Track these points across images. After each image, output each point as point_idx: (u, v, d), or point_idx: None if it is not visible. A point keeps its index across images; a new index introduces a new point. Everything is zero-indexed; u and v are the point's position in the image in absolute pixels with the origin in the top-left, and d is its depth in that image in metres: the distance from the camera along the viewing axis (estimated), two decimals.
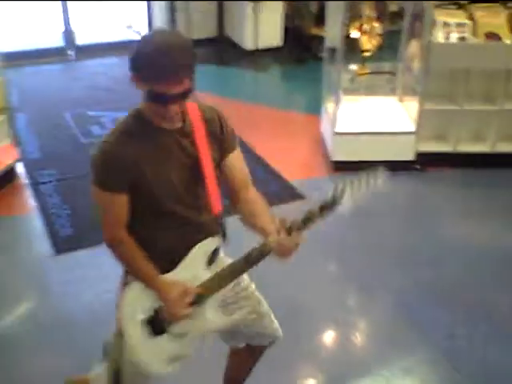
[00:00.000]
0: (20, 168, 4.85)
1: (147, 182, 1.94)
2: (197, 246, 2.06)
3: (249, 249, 1.98)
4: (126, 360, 2.05)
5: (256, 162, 5.07)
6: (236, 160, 2.17)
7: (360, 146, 4.79)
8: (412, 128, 4.79)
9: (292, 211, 4.41)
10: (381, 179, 1.92)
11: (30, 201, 4.56)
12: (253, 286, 2.34)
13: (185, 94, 1.85)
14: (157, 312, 2.01)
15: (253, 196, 2.16)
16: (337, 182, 1.91)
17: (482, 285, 3.70)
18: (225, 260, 2.15)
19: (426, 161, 4.84)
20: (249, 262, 1.99)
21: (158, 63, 1.77)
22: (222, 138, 2.12)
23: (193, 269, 2.05)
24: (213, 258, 2.09)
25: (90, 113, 5.92)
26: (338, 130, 4.77)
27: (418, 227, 4.33)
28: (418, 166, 4.85)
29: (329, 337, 3.44)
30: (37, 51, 7.38)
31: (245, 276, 2.25)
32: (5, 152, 4.61)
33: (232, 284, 2.11)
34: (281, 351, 2.99)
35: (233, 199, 2.15)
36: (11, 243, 4.10)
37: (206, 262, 2.07)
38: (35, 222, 4.28)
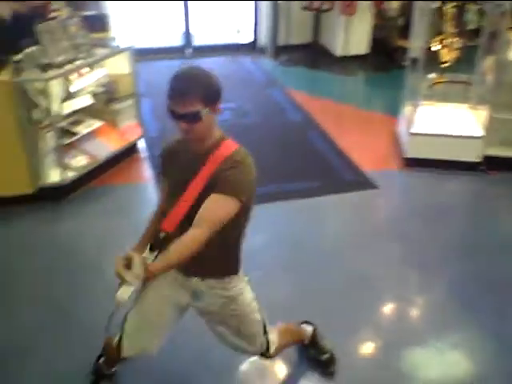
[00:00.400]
0: (141, 144, 5.03)
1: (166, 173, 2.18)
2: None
3: None
4: None
5: (336, 153, 5.05)
6: (212, 199, 1.93)
7: (432, 146, 4.68)
8: (480, 133, 4.63)
9: (365, 199, 4.46)
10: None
11: (147, 172, 4.75)
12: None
13: (188, 116, 1.90)
14: None
15: (185, 234, 1.90)
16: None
17: None
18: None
19: (492, 164, 4.66)
20: None
21: (171, 85, 1.91)
22: (221, 179, 1.95)
23: None
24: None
25: None
26: (413, 130, 4.69)
27: (481, 224, 4.18)
28: (484, 168, 4.67)
29: (388, 308, 3.41)
30: (161, 49, 7.66)
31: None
32: (131, 130, 4.81)
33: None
34: (345, 318, 3.03)
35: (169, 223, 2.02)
36: (131, 206, 4.29)
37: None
38: (150, 190, 4.44)
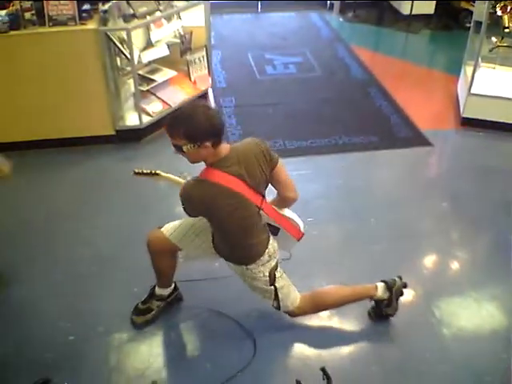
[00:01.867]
0: (210, 93, 5.08)
1: None
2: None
3: None
4: None
5: (394, 109, 4.95)
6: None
7: (490, 108, 4.51)
8: None
9: (419, 155, 4.38)
10: None
11: None
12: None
13: (175, 147, 2.18)
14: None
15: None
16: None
17: None
18: None
19: None
20: None
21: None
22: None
23: None
24: None
25: (267, 55, 6.01)
26: (473, 91, 4.51)
27: None
28: None
29: (431, 260, 3.39)
30: (234, 3, 7.51)
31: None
32: (202, 80, 4.85)
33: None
34: (388, 265, 3.05)
35: None
36: None
37: None
38: None
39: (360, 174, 4.11)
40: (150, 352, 2.64)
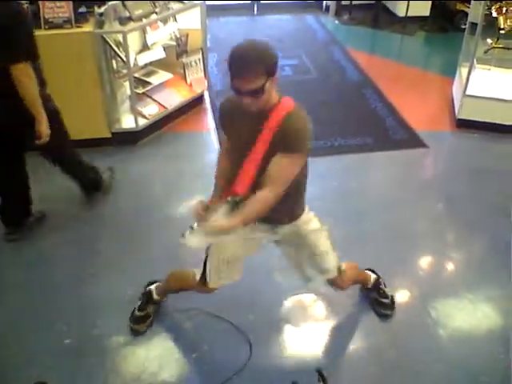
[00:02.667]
0: (206, 96, 5.07)
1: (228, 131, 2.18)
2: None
3: None
4: None
5: (390, 111, 4.95)
6: (278, 159, 1.96)
7: (485, 109, 4.51)
8: None
9: (415, 157, 4.38)
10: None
11: (210, 122, 4.80)
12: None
13: (253, 92, 1.89)
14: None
15: (259, 194, 1.98)
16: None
17: None
18: None
19: None
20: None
21: (233, 64, 1.89)
22: (283, 139, 1.97)
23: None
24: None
25: None
26: (468, 92, 4.51)
27: None
28: None
29: (426, 261, 3.39)
30: (229, 5, 7.53)
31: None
32: (198, 82, 4.84)
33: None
34: (383, 266, 3.04)
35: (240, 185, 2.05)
36: (195, 152, 4.38)
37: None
38: (212, 138, 4.51)
39: (355, 176, 4.11)
40: (146, 355, 2.63)
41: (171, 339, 2.76)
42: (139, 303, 2.77)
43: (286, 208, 2.18)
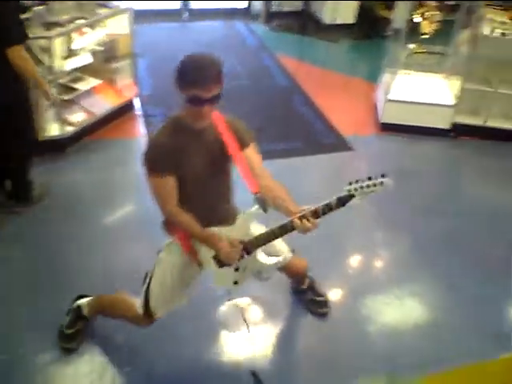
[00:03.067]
0: (137, 102, 5.00)
1: (181, 167, 2.07)
2: (243, 214, 2.20)
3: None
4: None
5: (317, 116, 5.08)
6: (252, 153, 2.17)
7: (407, 113, 4.72)
8: (451, 102, 4.67)
9: (342, 160, 4.51)
10: (388, 186, 1.89)
11: (141, 128, 4.74)
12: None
13: (214, 99, 1.97)
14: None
15: (272, 184, 2.12)
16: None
17: (486, 235, 3.68)
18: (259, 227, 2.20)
19: (460, 131, 4.73)
20: (281, 232, 2.06)
21: (194, 73, 1.93)
22: (238, 135, 2.15)
23: (243, 228, 2.17)
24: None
25: None
26: (390, 97, 4.71)
27: (448, 186, 4.29)
28: (453, 134, 4.74)
29: (356, 261, 3.52)
30: (159, 11, 7.44)
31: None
32: (127, 88, 4.78)
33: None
34: (314, 267, 3.12)
35: (251, 185, 2.10)
36: (124, 159, 4.29)
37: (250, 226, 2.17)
38: (143, 145, 4.44)
39: (286, 179, 4.04)
40: (75, 372, 2.55)
41: (103, 353, 2.67)
42: (67, 320, 2.66)
43: (233, 205, 2.32)
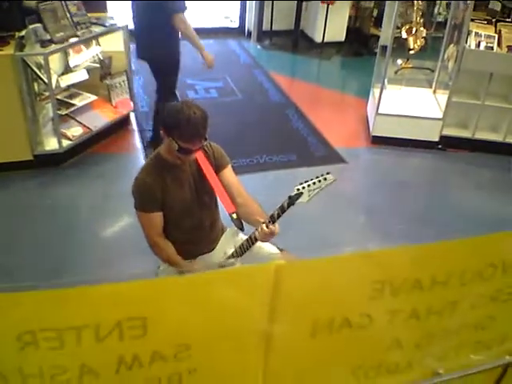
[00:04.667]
0: (132, 117, 5.06)
1: (168, 203, 2.22)
2: (223, 236, 2.45)
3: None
4: None
5: (310, 130, 5.15)
6: (229, 174, 2.34)
7: (396, 126, 4.80)
8: (440, 115, 4.75)
9: (334, 172, 4.53)
10: (330, 181, 2.05)
11: (137, 143, 4.79)
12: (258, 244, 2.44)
13: (200, 149, 2.20)
14: None
15: (247, 201, 2.33)
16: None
17: None
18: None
19: (448, 143, 4.81)
20: (248, 244, 2.22)
21: (187, 131, 2.07)
22: (214, 160, 2.32)
23: (223, 249, 2.37)
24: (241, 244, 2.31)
25: (188, 81, 6.05)
26: (380, 111, 4.79)
27: (436, 195, 4.34)
28: (441, 147, 4.81)
29: None
30: None
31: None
32: (123, 104, 4.83)
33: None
34: None
35: (227, 207, 2.32)
36: (121, 174, 4.29)
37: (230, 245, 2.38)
38: (139, 159, 4.50)
39: (281, 191, 4.12)
40: None
41: None
42: None
43: (219, 226, 2.48)
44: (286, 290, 1.18)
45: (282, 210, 2.08)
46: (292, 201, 2.07)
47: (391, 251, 1.27)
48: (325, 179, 2.03)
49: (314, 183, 2.04)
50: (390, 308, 1.32)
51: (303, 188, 2.05)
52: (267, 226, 2.08)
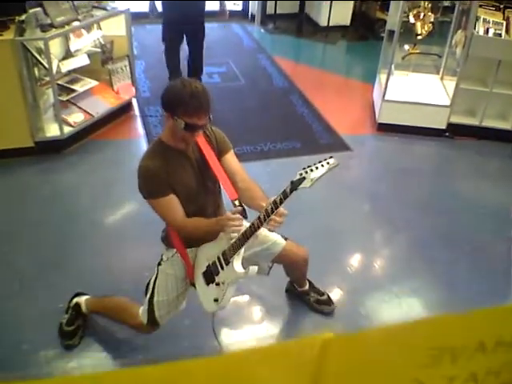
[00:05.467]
0: (135, 103, 5.00)
1: (173, 187, 2.14)
2: None
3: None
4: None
5: (315, 117, 5.08)
6: (231, 159, 2.28)
7: (403, 113, 4.72)
8: (447, 102, 4.67)
9: (339, 159, 4.48)
10: (333, 166, 1.97)
11: (139, 129, 4.73)
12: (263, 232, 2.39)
13: (205, 124, 2.12)
14: (209, 265, 2.24)
15: (250, 185, 2.24)
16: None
17: (481, 233, 3.67)
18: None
19: (456, 131, 4.73)
20: (252, 230, 2.09)
21: (195, 103, 2.01)
22: (216, 145, 2.26)
23: (227, 237, 2.20)
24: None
25: None
26: (387, 97, 4.70)
27: (441, 183, 4.27)
28: (448, 134, 4.74)
29: (354, 258, 3.50)
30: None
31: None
32: (125, 89, 4.76)
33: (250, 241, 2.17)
34: (314, 265, 3.11)
35: (230, 193, 2.23)
36: (123, 160, 4.25)
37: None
38: (142, 145, 4.46)
39: (286, 179, 4.10)
40: (79, 367, 2.55)
41: (104, 348, 2.68)
42: (66, 317, 2.69)
43: (223, 212, 2.35)
44: (332, 368, 1.06)
45: (285, 195, 2.02)
46: (294, 186, 2.00)
47: (446, 318, 1.17)
48: (327, 163, 1.97)
49: (317, 168, 1.98)
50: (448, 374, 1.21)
51: (306, 173, 1.98)
52: (272, 212, 2.03)
